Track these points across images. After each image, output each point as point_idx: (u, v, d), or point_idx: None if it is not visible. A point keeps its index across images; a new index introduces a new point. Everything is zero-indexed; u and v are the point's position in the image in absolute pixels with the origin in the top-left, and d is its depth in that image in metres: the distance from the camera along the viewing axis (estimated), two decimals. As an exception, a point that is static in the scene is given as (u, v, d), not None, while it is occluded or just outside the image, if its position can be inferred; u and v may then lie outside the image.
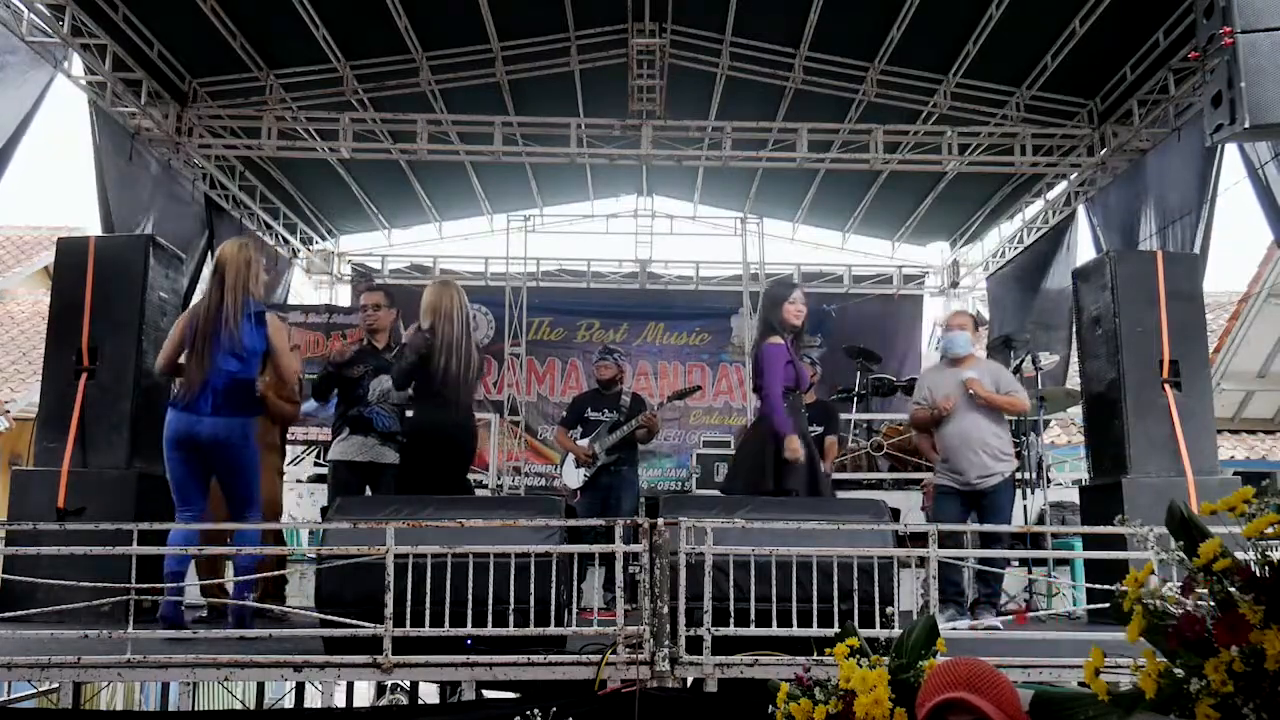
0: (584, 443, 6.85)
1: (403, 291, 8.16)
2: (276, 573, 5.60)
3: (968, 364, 5.82)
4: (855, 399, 9.19)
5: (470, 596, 3.83)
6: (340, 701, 6.93)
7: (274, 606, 5.17)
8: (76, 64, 7.33)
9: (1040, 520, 6.92)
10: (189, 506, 4.59)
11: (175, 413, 4.51)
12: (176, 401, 4.53)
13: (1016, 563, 6.43)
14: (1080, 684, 2.30)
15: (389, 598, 3.78)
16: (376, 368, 5.74)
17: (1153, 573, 1.97)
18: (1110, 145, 8.53)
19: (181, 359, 4.56)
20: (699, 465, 8.51)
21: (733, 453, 8.52)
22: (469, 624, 3.82)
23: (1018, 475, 6.56)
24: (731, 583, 3.91)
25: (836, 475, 7.12)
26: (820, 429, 6.55)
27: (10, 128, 6.43)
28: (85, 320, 5.44)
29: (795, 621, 3.87)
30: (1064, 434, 12.21)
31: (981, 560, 5.09)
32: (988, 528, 5.23)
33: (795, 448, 4.92)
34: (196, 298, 5.51)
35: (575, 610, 4.69)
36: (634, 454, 6.97)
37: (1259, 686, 1.64)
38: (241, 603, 4.58)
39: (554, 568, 3.93)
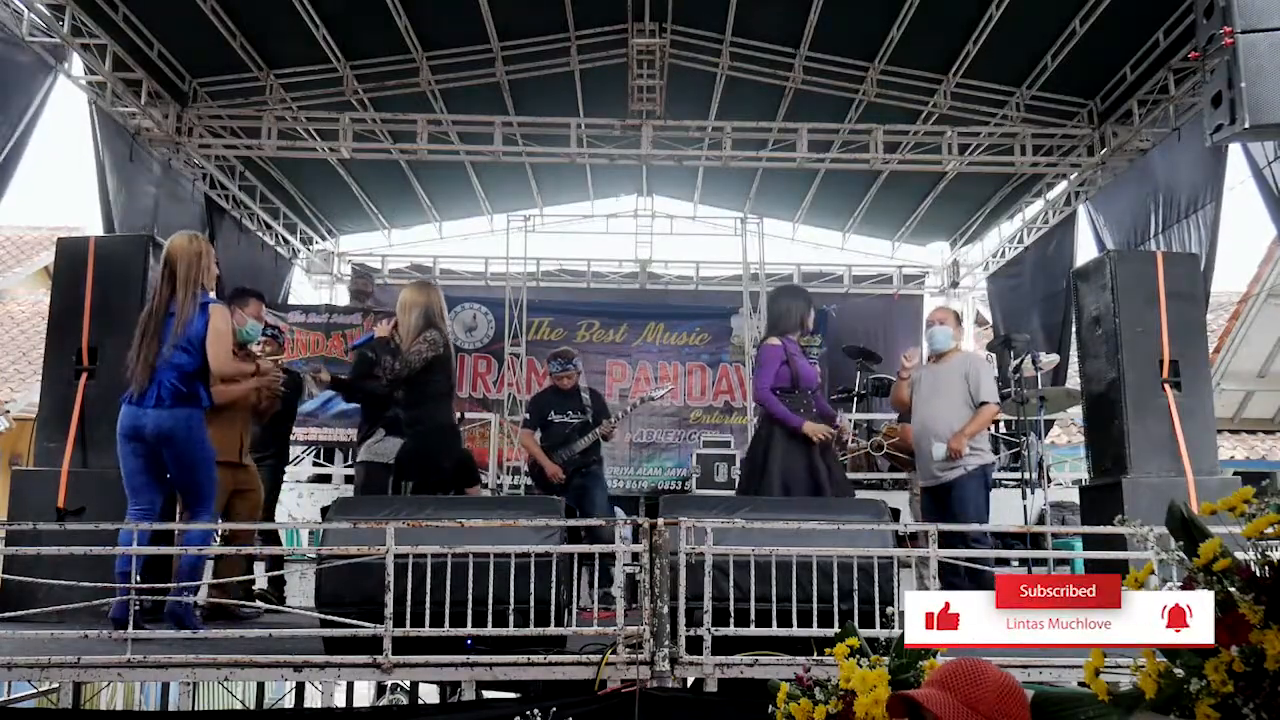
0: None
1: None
2: (247, 577, 5.55)
3: (952, 356, 5.84)
4: (855, 399, 9.20)
5: (470, 596, 3.83)
6: (340, 701, 6.93)
7: (232, 602, 5.15)
8: (76, 64, 7.32)
9: (1040, 520, 6.92)
10: (139, 501, 4.47)
11: (125, 407, 4.45)
12: (127, 396, 4.47)
13: (1016, 563, 6.43)
14: (1080, 684, 2.30)
15: (389, 598, 3.78)
16: None
17: (1153, 573, 1.97)
18: (1110, 145, 8.53)
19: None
20: (699, 465, 8.52)
21: (734, 452, 8.54)
22: (469, 624, 3.82)
23: (1022, 476, 6.55)
24: (731, 583, 3.92)
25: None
26: None
27: (15, 132, 6.44)
28: (85, 320, 5.43)
29: (795, 621, 3.88)
30: (1064, 434, 12.21)
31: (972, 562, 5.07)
32: (952, 527, 4.71)
33: (814, 429, 5.05)
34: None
35: (575, 610, 4.69)
36: (600, 451, 6.97)
37: (1259, 686, 1.64)
38: (180, 599, 4.36)
39: (554, 568, 3.93)
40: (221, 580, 5.15)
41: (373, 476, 5.81)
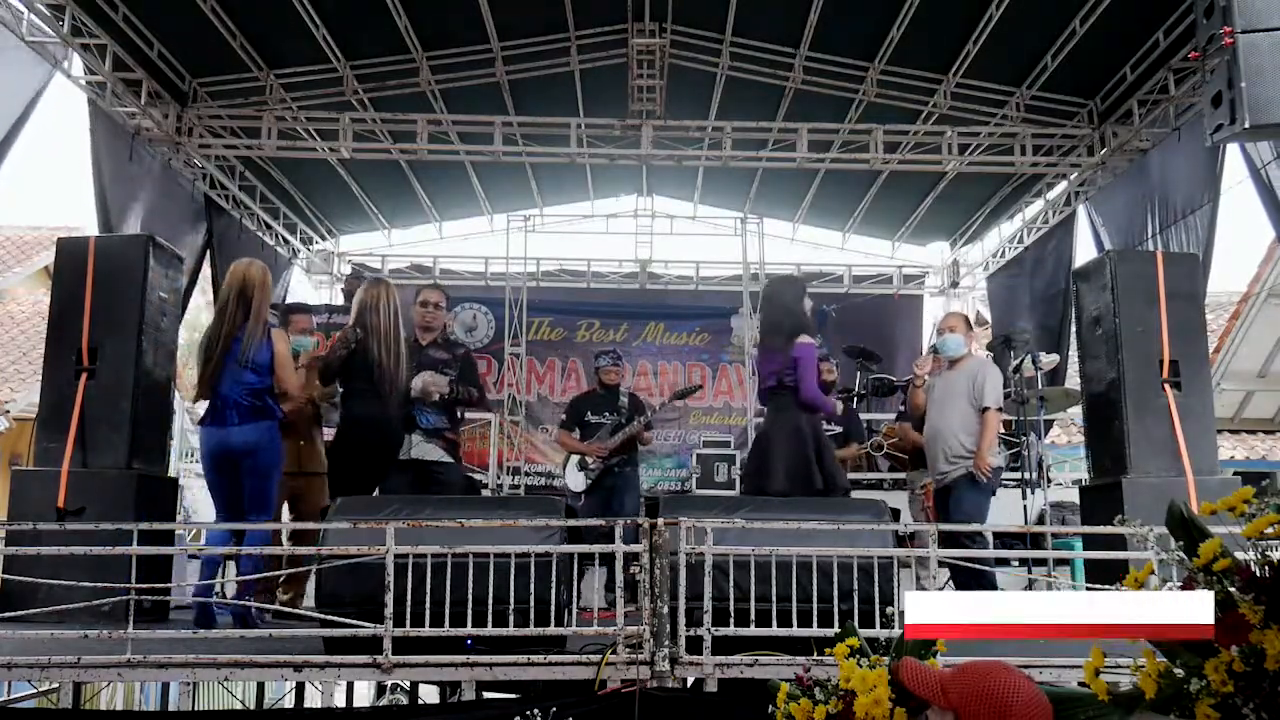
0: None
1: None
2: (290, 570, 5.62)
3: (964, 363, 5.86)
4: (855, 399, 9.19)
5: (470, 596, 3.83)
6: (340, 701, 6.93)
7: (273, 607, 5.20)
8: (76, 64, 7.32)
9: (1040, 520, 6.91)
10: (234, 515, 4.78)
11: (206, 430, 4.74)
12: (205, 420, 4.77)
13: (1017, 562, 6.43)
14: (1080, 684, 2.29)
15: (389, 598, 3.78)
16: (417, 364, 5.62)
17: (1153, 573, 1.97)
18: (1110, 145, 8.53)
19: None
20: (699, 465, 8.50)
21: (734, 452, 8.53)
22: (469, 624, 3.82)
23: (1022, 476, 6.57)
24: (731, 583, 3.92)
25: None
26: (840, 429, 6.68)
27: (6, 125, 6.42)
28: (85, 320, 5.44)
29: (795, 621, 3.87)
30: (1064, 434, 12.21)
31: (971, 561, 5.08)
32: (949, 527, 4.88)
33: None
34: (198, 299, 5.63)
35: (575, 610, 4.69)
36: (635, 454, 7.00)
37: (1259, 686, 1.64)
38: (242, 603, 4.67)
39: (554, 568, 3.93)
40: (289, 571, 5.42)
41: None
